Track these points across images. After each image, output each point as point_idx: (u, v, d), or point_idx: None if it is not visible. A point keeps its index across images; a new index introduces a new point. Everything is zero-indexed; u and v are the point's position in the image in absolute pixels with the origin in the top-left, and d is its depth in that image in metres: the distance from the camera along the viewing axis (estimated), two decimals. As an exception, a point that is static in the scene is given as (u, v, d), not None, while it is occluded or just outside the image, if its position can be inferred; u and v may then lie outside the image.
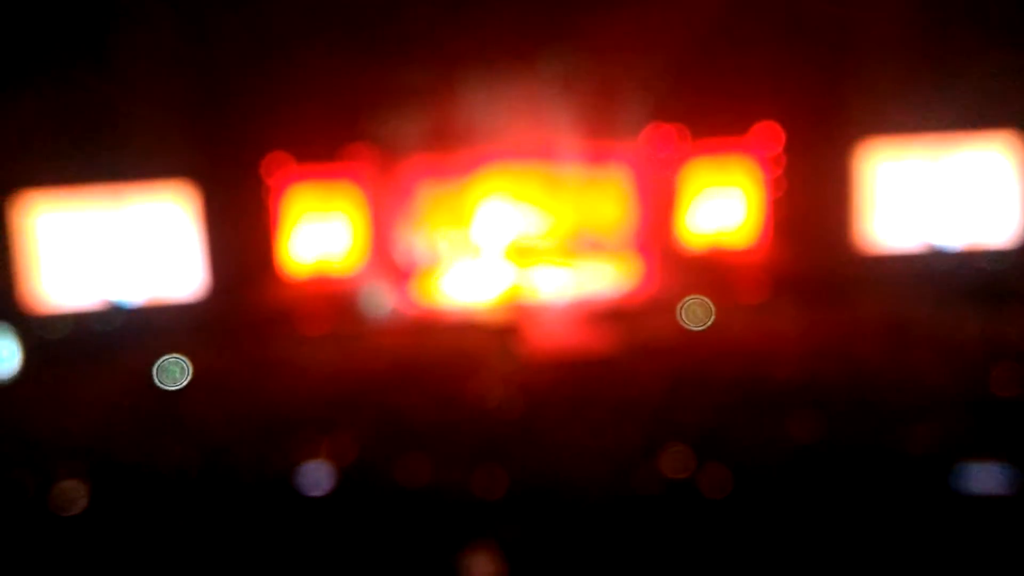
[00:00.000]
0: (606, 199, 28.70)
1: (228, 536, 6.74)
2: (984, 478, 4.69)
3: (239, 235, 25.15)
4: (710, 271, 27.17)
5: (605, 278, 27.30)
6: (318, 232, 27.27)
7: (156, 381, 20.16)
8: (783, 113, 26.15)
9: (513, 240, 28.03)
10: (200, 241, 24.69)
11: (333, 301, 25.78)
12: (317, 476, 9.62)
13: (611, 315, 24.63)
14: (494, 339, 23.08)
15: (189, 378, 20.37)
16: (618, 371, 18.93)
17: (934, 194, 24.93)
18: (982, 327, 19.86)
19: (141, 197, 24.35)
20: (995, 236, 24.56)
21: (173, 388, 19.48)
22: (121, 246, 24.29)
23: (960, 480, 4.62)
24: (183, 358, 20.61)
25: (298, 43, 24.72)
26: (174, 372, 20.95)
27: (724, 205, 28.71)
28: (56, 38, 23.02)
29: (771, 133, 27.46)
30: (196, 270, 24.73)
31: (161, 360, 20.81)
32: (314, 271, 26.90)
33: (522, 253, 27.75)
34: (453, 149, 27.53)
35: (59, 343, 22.96)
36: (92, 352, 22.04)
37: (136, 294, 24.41)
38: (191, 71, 24.07)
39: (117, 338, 22.96)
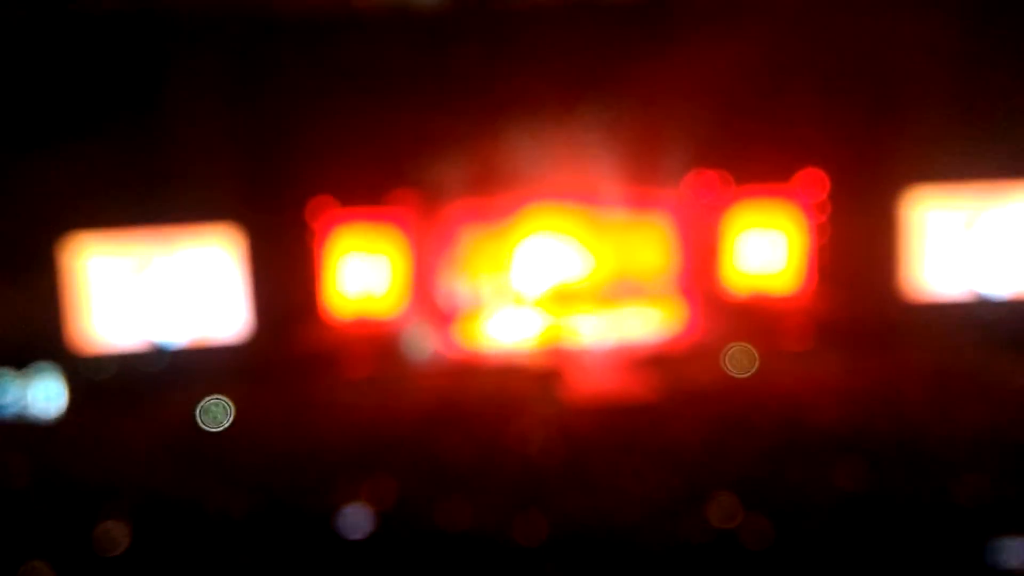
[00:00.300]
0: (649, 244, 28.72)
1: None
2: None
3: (284, 278, 25.39)
4: (754, 317, 27.09)
5: (648, 323, 27.26)
6: (362, 275, 27.46)
7: (199, 422, 20.38)
8: (828, 159, 26.12)
9: (556, 284, 28.13)
10: (245, 283, 24.94)
11: (376, 344, 25.94)
12: (357, 519, 9.61)
13: (654, 361, 24.57)
14: (536, 383, 23.07)
15: (231, 420, 20.53)
16: (661, 417, 18.84)
17: (981, 242, 24.71)
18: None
19: (188, 240, 24.68)
20: None
21: (215, 429, 19.62)
22: (168, 288, 24.58)
23: (1000, 554, 4.47)
24: (225, 400, 20.79)
25: (342, 89, 25.13)
26: (216, 414, 21.12)
27: (768, 251, 28.61)
28: (107, 84, 23.55)
29: (815, 179, 27.47)
30: (241, 312, 24.96)
31: (204, 402, 21.02)
32: (357, 313, 27.13)
33: (564, 297, 27.83)
34: (496, 193, 27.76)
35: (105, 383, 23.21)
36: (137, 393, 22.27)
37: (182, 335, 24.66)
38: (238, 117, 24.49)
39: (162, 379, 23.19)
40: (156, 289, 24.56)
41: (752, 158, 27.08)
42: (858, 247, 25.22)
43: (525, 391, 22.31)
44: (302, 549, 7.83)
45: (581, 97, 27.04)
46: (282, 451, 17.50)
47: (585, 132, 27.63)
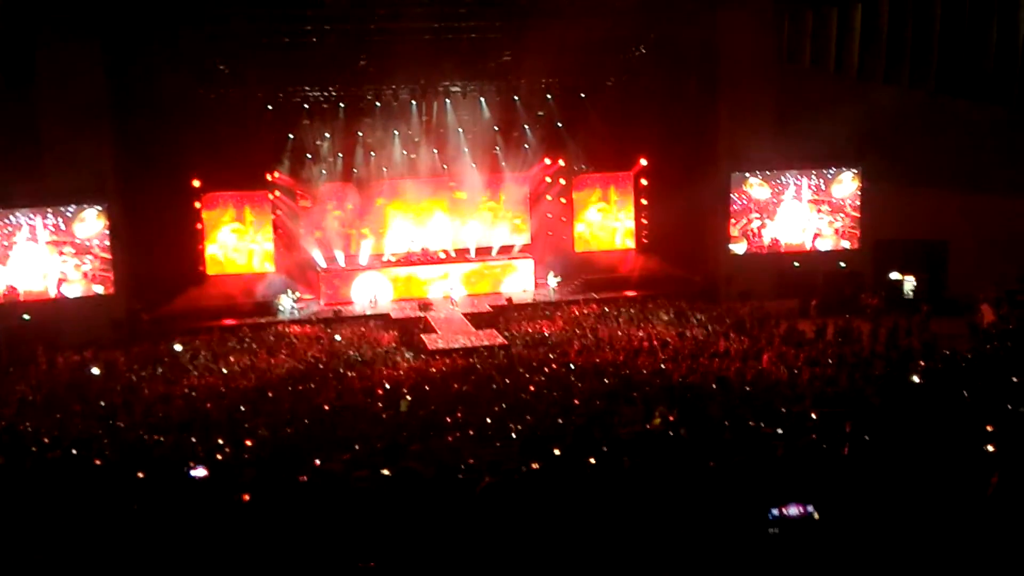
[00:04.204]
0: (505, 212, 28.88)
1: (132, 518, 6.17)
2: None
3: (162, 245, 24.49)
4: (598, 273, 27.50)
5: (501, 279, 27.43)
6: (235, 243, 26.75)
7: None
8: (661, 148, 26.93)
9: (417, 248, 27.80)
10: (126, 249, 23.74)
11: (247, 301, 25.20)
12: (220, 463, 9.15)
13: (506, 312, 24.56)
14: (398, 335, 22.70)
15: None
16: (511, 362, 18.71)
17: (780, 212, 25.63)
18: (830, 323, 20.25)
19: (76, 212, 23.45)
20: (841, 244, 25.51)
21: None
22: (54, 251, 23.37)
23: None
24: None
25: (221, 79, 24.20)
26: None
27: (609, 220, 29.19)
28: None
29: (649, 162, 28.02)
30: (121, 274, 23.74)
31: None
32: (231, 275, 26.33)
33: (425, 259, 27.55)
34: (362, 176, 27.40)
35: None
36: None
37: (65, 292, 23.37)
38: (124, 101, 23.34)
39: (41, 331, 21.95)
40: (45, 252, 23.31)
41: (597, 145, 27.62)
42: (683, 215, 25.83)
43: (388, 342, 21.99)
44: (166, 491, 7.21)
45: (442, 89, 26.96)
46: (154, 399, 16.79)
47: (447, 119, 27.63)
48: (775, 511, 4.56)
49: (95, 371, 19.33)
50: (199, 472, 7.78)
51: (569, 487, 6.10)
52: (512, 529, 4.80)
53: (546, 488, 6.10)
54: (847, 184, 25.49)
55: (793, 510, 4.58)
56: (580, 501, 5.42)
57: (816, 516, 4.60)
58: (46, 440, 12.71)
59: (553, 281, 26.77)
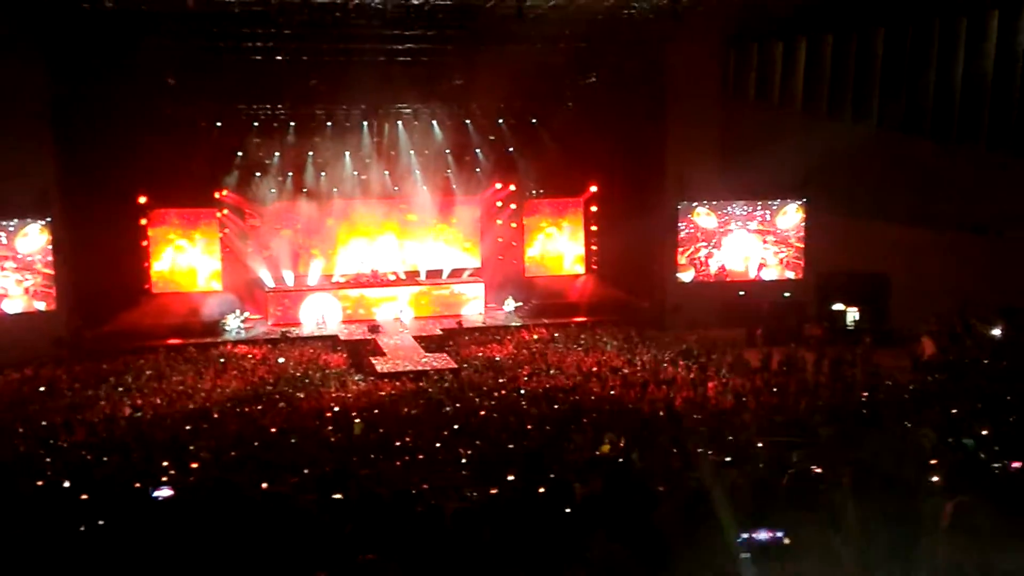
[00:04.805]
0: (456, 235, 28.95)
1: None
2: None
3: (106, 262, 23.92)
4: (548, 298, 27.61)
5: (453, 302, 27.32)
6: (182, 261, 26.39)
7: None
8: (611, 176, 27.17)
9: (367, 269, 27.70)
10: (69, 265, 23.30)
11: (193, 320, 24.86)
12: (170, 485, 8.96)
13: (457, 335, 24.47)
14: (347, 357, 22.52)
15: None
16: (461, 386, 18.65)
17: (726, 242, 26.00)
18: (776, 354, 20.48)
19: (18, 227, 22.99)
20: (786, 275, 26.00)
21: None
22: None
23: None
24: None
25: (169, 94, 23.80)
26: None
27: (559, 245, 29.36)
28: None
29: (600, 189, 28.32)
30: (63, 291, 23.29)
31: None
32: (177, 294, 25.92)
33: (375, 280, 27.39)
34: (313, 193, 27.12)
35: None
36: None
37: (5, 308, 22.84)
38: (69, 114, 22.91)
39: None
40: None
41: (549, 172, 27.72)
42: (632, 243, 26.04)
43: (337, 364, 21.75)
44: (112, 512, 7.02)
45: (395, 112, 26.84)
46: (97, 420, 16.41)
47: (400, 142, 27.50)
48: (744, 535, 4.57)
49: (41, 389, 18.90)
50: (164, 492, 7.61)
51: (522, 514, 6.08)
52: (470, 557, 4.77)
53: (500, 515, 6.07)
54: (791, 215, 25.96)
55: (762, 535, 4.58)
56: (534, 528, 5.40)
57: (786, 541, 4.61)
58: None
59: (511, 306, 27.03)
